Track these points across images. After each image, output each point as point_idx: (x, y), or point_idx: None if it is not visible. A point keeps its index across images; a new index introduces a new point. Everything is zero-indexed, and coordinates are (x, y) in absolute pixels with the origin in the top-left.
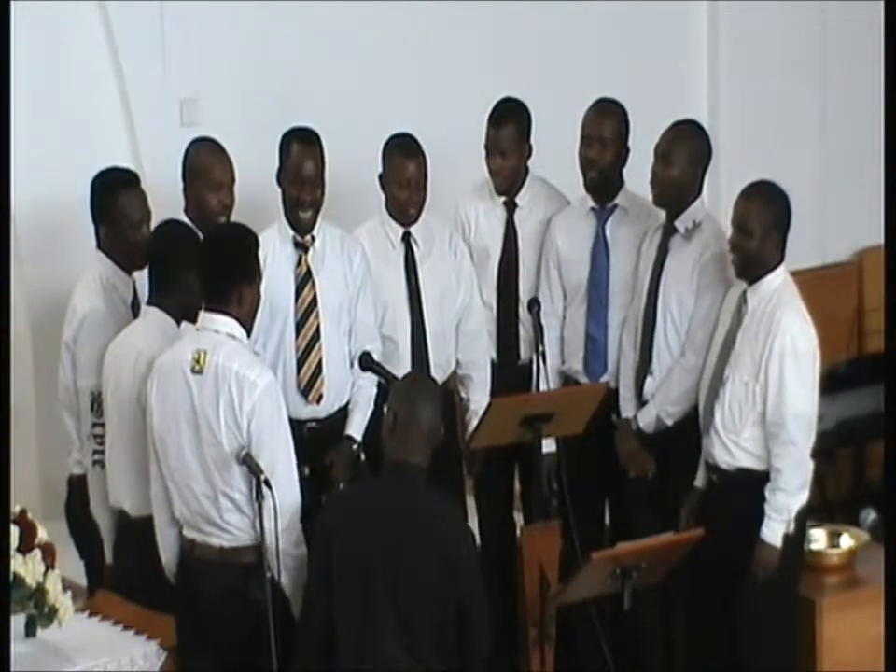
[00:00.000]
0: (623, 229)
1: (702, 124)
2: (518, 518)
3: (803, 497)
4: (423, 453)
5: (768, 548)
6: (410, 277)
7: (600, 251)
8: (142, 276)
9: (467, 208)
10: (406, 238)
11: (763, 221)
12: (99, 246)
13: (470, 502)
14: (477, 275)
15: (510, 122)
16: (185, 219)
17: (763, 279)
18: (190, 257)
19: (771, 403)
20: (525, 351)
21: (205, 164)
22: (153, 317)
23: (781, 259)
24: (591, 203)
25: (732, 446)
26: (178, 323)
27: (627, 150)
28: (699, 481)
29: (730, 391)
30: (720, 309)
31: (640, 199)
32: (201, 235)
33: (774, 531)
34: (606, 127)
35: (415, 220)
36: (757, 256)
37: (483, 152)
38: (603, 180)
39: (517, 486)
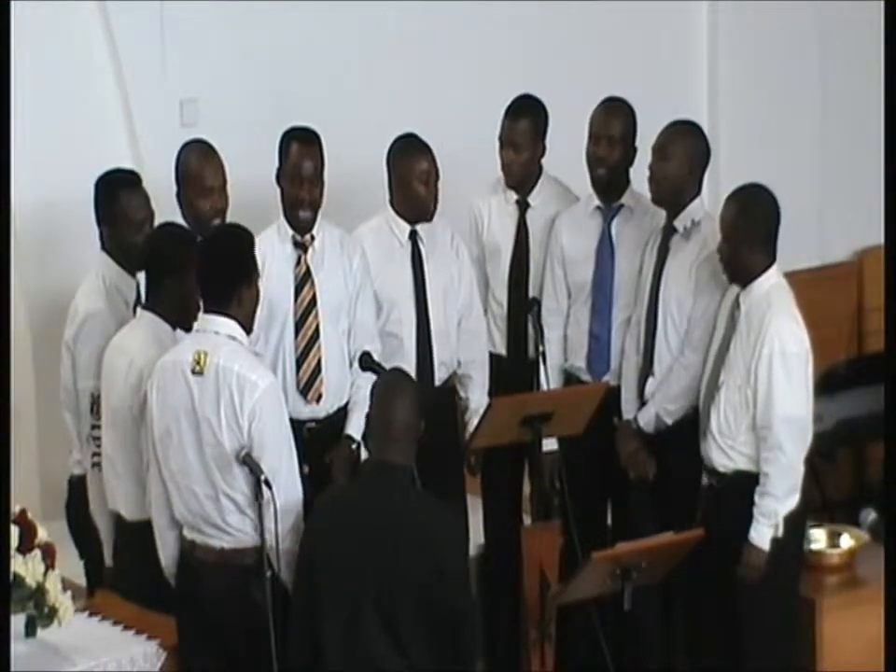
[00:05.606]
0: (629, 228)
1: (701, 124)
2: (527, 519)
3: (791, 502)
4: (402, 451)
5: (756, 550)
6: (416, 275)
7: (605, 250)
8: None
9: (480, 205)
10: (413, 236)
11: (744, 227)
12: (103, 248)
13: (477, 502)
14: (489, 273)
15: (525, 116)
16: (183, 222)
17: (754, 282)
18: (185, 260)
19: (760, 407)
20: (533, 348)
21: (195, 170)
22: (147, 322)
23: (772, 261)
24: (596, 201)
25: (728, 450)
26: (173, 327)
27: (635, 150)
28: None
29: (725, 396)
30: (718, 310)
31: (646, 199)
32: (197, 238)
33: (761, 534)
34: (614, 126)
35: (433, 216)
36: (741, 262)
37: (492, 148)
38: (610, 178)
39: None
